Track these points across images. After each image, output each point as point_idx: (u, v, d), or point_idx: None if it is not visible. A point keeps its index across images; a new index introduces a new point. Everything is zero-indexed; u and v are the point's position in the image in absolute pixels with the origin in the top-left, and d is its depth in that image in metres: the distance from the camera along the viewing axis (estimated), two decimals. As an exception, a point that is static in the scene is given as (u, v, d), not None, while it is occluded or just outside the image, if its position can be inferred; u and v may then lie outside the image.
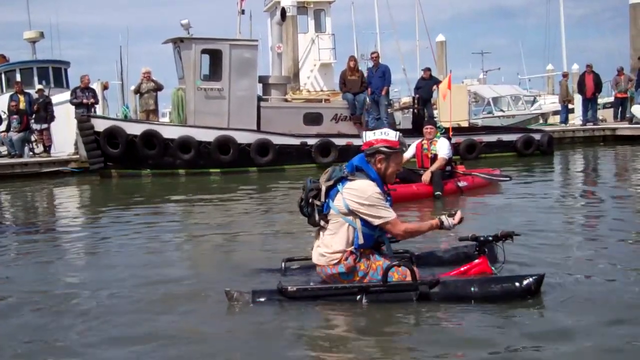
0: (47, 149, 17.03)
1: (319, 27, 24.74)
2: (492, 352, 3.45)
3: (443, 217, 4.38)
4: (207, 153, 14.91)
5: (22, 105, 16.87)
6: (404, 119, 21.73)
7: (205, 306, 4.38)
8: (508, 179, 10.36)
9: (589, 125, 21.22)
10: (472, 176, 10.06)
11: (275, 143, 15.27)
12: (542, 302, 4.15)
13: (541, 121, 28.90)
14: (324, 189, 4.32)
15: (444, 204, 8.94)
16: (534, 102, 33.14)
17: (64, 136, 17.36)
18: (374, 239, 4.35)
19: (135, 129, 14.88)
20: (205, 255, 6.47)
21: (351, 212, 4.24)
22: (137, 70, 62.43)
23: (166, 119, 23.24)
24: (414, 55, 45.30)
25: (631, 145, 18.70)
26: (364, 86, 16.54)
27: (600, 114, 23.26)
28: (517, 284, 4.21)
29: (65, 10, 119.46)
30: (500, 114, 29.07)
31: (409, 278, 4.18)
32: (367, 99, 16.69)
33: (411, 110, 19.64)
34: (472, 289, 4.19)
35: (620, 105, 22.44)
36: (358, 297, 4.18)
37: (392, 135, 4.39)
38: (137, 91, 17.22)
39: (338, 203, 4.27)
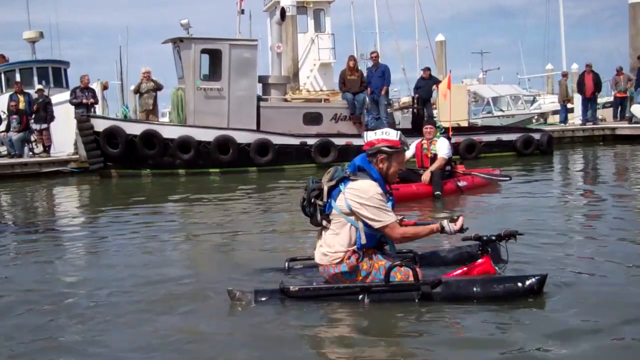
0: (46, 149, 17.00)
1: (318, 27, 24.68)
2: (494, 352, 3.43)
3: (445, 222, 4.33)
4: (206, 153, 14.89)
5: (21, 105, 16.83)
6: (404, 119, 21.75)
7: (206, 306, 4.37)
8: (508, 178, 10.35)
9: (589, 125, 21.21)
10: (471, 176, 10.05)
11: (274, 143, 15.24)
12: (545, 302, 4.13)
13: (541, 121, 28.88)
14: (326, 189, 4.32)
15: (444, 203, 8.94)
16: (533, 101, 33.15)
17: (64, 136, 17.33)
18: (376, 238, 4.34)
19: (135, 129, 14.86)
20: (205, 254, 6.45)
21: (353, 212, 4.23)
22: (136, 70, 62.60)
23: (166, 119, 23.17)
24: (414, 55, 45.51)
25: (631, 145, 18.71)
26: (364, 86, 16.52)
27: (600, 113, 23.24)
28: (519, 284, 4.19)
29: (65, 10, 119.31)
30: (500, 113, 29.09)
31: (411, 278, 4.17)
32: (367, 99, 16.68)
33: (411, 110, 19.65)
34: (475, 289, 4.17)
35: (620, 104, 22.42)
36: (360, 296, 4.16)
37: (393, 134, 4.38)
38: (137, 91, 17.20)
39: (340, 203, 4.26)
